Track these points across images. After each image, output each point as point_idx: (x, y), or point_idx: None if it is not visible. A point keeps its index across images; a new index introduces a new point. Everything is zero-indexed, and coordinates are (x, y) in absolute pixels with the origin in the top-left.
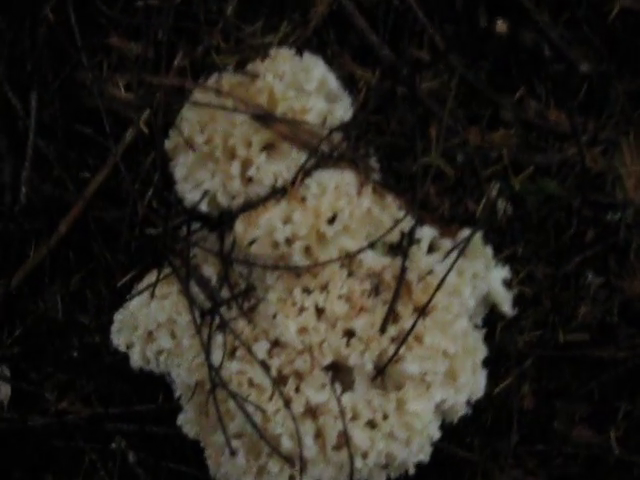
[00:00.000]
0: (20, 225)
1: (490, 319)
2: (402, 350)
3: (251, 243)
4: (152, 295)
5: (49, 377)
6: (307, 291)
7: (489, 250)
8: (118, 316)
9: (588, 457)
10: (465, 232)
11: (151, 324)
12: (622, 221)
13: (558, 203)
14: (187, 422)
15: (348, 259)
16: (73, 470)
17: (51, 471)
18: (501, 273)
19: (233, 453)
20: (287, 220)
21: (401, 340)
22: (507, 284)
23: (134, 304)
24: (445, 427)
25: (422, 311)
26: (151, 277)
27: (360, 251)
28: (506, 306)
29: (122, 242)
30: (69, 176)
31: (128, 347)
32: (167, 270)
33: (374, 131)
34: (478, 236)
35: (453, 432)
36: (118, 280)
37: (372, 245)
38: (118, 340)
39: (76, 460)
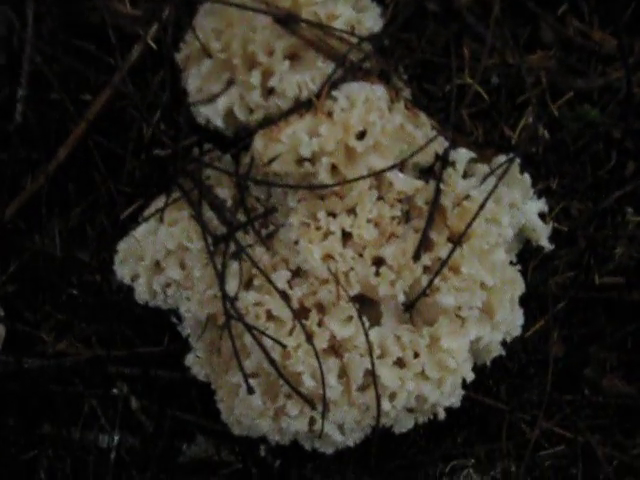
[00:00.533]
0: (15, 150)
1: (523, 257)
2: (436, 281)
3: (271, 161)
4: (160, 220)
5: (46, 317)
6: (333, 215)
7: (527, 178)
8: (122, 245)
9: (618, 407)
10: (501, 158)
11: (159, 253)
12: None
13: (598, 132)
14: (196, 362)
15: (378, 181)
16: (72, 417)
17: (48, 418)
18: (538, 205)
19: (251, 390)
20: (313, 134)
21: (436, 270)
22: (542, 218)
23: (140, 231)
24: (475, 371)
25: (460, 238)
26: (159, 202)
27: (392, 168)
28: (544, 239)
29: (126, 170)
30: (69, 97)
31: (133, 279)
32: (177, 194)
33: (404, 49)
34: (516, 163)
35: (480, 378)
36: (121, 212)
37: (403, 165)
38: (122, 271)
39: (75, 406)
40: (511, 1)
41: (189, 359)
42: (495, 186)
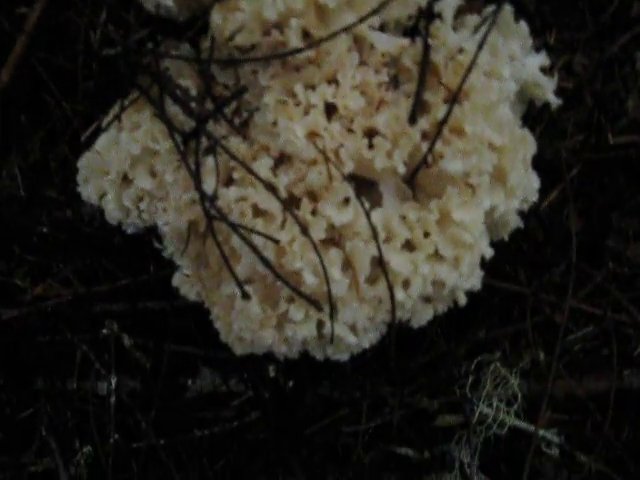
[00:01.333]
0: None
1: (527, 124)
2: (439, 146)
3: (234, 34)
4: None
5: (19, 262)
6: (312, 87)
7: (524, 26)
8: (83, 161)
9: None
10: (491, 8)
11: (124, 163)
12: None
13: None
14: (185, 281)
15: (358, 44)
16: (64, 366)
17: (40, 372)
18: (538, 59)
19: (246, 295)
20: None
21: (435, 133)
22: (545, 72)
23: (100, 143)
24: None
25: (457, 94)
26: (117, 107)
27: (367, 18)
28: (549, 94)
29: (80, 87)
30: (1, 12)
31: (101, 198)
32: (135, 94)
33: None
34: (508, 10)
35: (495, 262)
36: (81, 134)
37: (382, 23)
38: (87, 191)
39: (66, 355)
40: None
41: (176, 279)
42: (487, 32)
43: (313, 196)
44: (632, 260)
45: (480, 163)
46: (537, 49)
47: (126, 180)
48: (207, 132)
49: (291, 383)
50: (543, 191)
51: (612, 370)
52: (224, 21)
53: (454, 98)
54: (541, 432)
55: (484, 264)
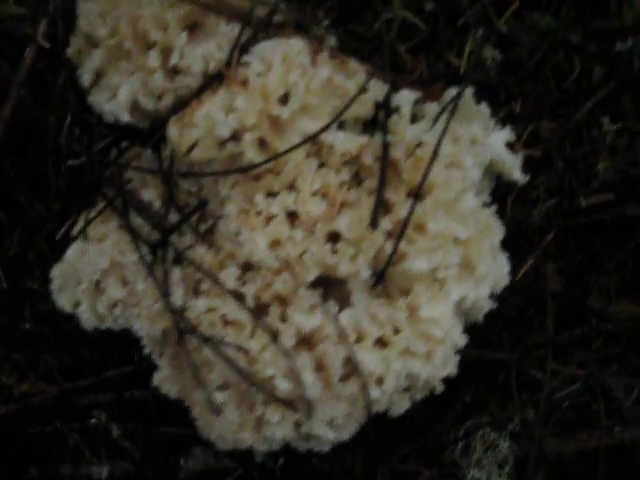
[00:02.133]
0: None
1: (498, 195)
2: (402, 245)
3: (191, 148)
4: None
5: (4, 359)
6: (272, 195)
7: (485, 108)
8: (56, 271)
9: (630, 333)
10: (452, 92)
11: (94, 274)
12: (635, 49)
13: (554, 41)
14: (164, 381)
15: (316, 146)
16: (57, 456)
17: (33, 461)
18: (502, 135)
19: (218, 411)
20: (229, 110)
21: (399, 233)
22: (511, 148)
23: (71, 253)
24: (469, 327)
25: (418, 192)
26: (84, 218)
27: (326, 128)
28: (515, 172)
29: (53, 186)
30: None
31: (75, 306)
32: (100, 205)
33: None
34: (468, 93)
35: (478, 332)
36: (56, 232)
37: (341, 122)
38: (62, 300)
39: (58, 444)
40: None
41: (156, 378)
42: (447, 123)
43: (281, 301)
44: (614, 317)
45: (446, 258)
46: (504, 120)
47: (98, 287)
48: (173, 244)
49: (280, 462)
50: (521, 257)
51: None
52: (180, 135)
53: (416, 196)
54: None
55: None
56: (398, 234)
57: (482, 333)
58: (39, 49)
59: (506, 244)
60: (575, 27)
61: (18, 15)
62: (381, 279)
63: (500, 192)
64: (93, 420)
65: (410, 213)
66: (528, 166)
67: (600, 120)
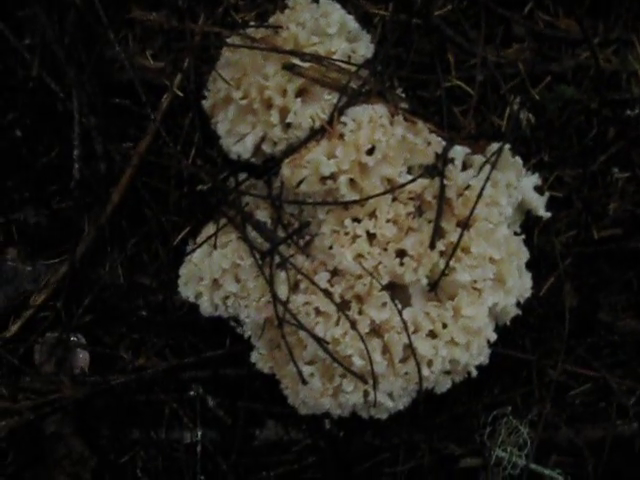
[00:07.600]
0: (77, 202)
1: (527, 225)
2: (452, 262)
3: (299, 183)
4: (214, 246)
5: (122, 338)
6: (357, 220)
7: (519, 160)
8: (183, 270)
9: (634, 344)
10: (494, 146)
11: (216, 272)
12: None
13: (577, 107)
14: (260, 359)
15: (390, 185)
16: (156, 421)
17: (136, 425)
18: (532, 180)
19: (305, 382)
20: (330, 156)
21: (450, 253)
22: (539, 190)
23: (196, 257)
24: (499, 331)
25: (465, 223)
26: (209, 230)
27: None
28: (541, 210)
29: (172, 202)
30: (115, 148)
31: (197, 297)
32: (223, 221)
33: (396, 64)
34: (506, 148)
35: (506, 335)
36: (173, 239)
37: (410, 168)
38: (186, 292)
39: (158, 412)
40: (482, 7)
41: (253, 356)
42: (489, 173)
43: (360, 299)
44: (620, 329)
45: (483, 273)
46: (534, 166)
47: (216, 284)
48: (280, 252)
49: (342, 433)
50: (544, 276)
51: (608, 420)
52: (291, 174)
53: (464, 226)
54: (548, 472)
55: (498, 334)
56: (449, 254)
57: (510, 336)
58: (174, 96)
59: (532, 266)
60: (594, 96)
61: (157, 68)
62: (435, 287)
63: (529, 225)
64: (191, 393)
65: (459, 239)
66: (552, 205)
67: (612, 170)
